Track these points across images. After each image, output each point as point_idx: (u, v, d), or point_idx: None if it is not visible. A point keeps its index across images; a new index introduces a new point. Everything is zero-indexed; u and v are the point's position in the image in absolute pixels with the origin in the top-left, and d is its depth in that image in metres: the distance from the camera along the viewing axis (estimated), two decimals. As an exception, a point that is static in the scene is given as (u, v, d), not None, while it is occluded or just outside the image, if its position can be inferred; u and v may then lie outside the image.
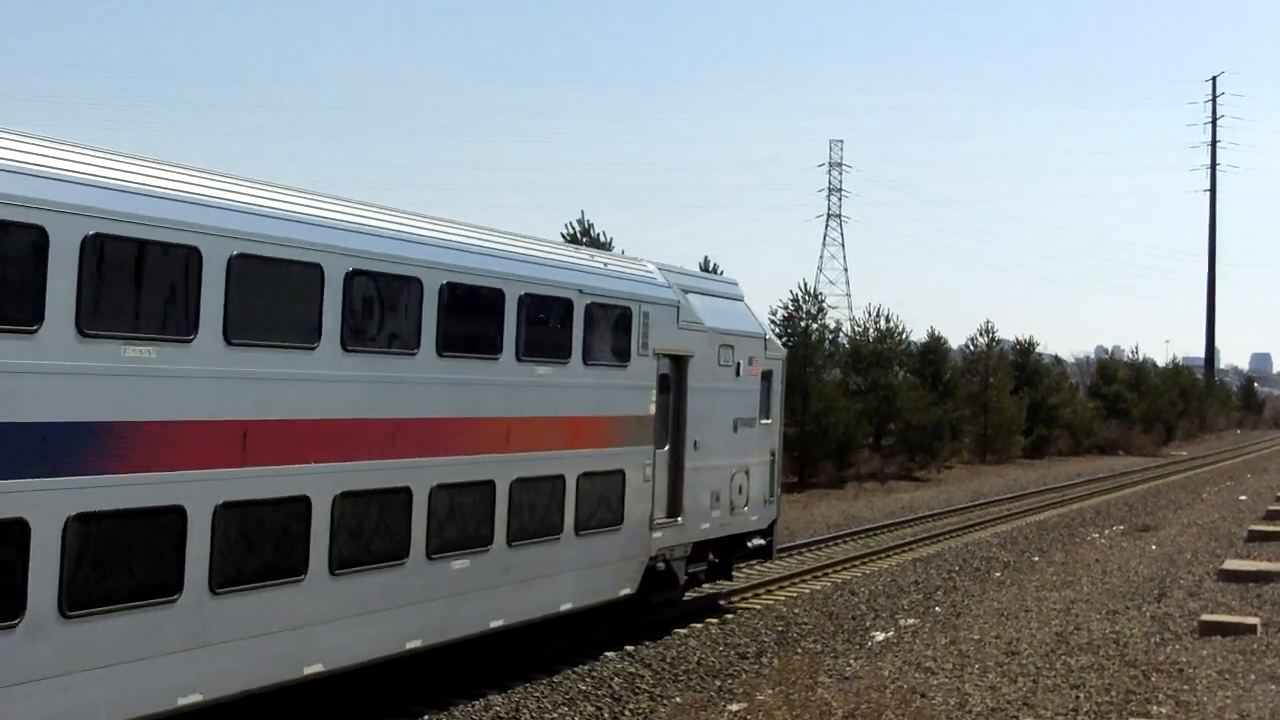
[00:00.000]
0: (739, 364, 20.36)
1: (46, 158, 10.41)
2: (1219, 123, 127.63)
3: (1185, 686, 15.09)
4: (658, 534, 18.38)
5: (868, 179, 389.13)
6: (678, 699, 15.16)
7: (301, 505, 12.34)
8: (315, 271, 12.52)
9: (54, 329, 10.11)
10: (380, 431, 13.34)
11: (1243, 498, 41.80)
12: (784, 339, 48.98)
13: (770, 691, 14.69)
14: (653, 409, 18.14)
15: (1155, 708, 14.20)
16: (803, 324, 48.38)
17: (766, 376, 21.51)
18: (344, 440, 12.87)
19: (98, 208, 10.47)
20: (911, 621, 19.94)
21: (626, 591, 17.84)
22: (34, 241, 9.95)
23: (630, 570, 17.86)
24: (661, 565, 18.66)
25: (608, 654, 17.21)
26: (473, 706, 14.51)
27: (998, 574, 25.33)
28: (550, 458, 16.01)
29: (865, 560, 27.99)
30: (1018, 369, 68.44)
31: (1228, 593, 21.70)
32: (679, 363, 18.82)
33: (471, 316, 14.78)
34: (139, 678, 10.83)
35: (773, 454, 21.92)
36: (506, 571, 15.22)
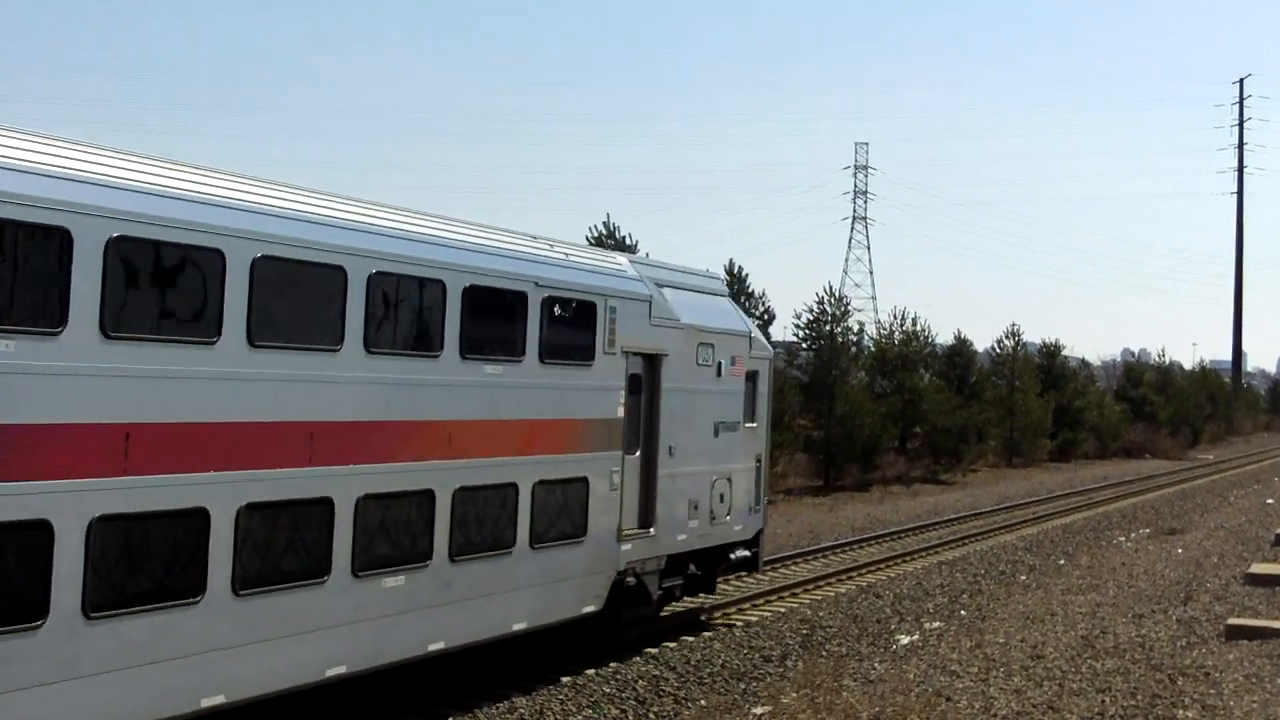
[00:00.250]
0: (720, 364, 19.06)
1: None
2: (1245, 125, 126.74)
3: (1211, 691, 15.03)
4: (626, 546, 17.12)
5: (892, 181, 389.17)
6: (702, 702, 15.15)
7: (198, 518, 11.17)
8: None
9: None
10: (293, 435, 12.14)
11: (1270, 501, 41.51)
12: (809, 342, 49.13)
13: (795, 695, 14.71)
14: (621, 411, 16.86)
15: (1181, 712, 14.15)
16: (828, 327, 48.37)
17: (751, 377, 20.18)
18: (249, 446, 11.66)
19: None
20: (936, 625, 19.90)
21: (591, 609, 16.60)
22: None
23: (595, 586, 16.62)
24: (632, 580, 17.37)
25: (633, 657, 17.14)
26: (497, 708, 14.51)
27: (1023, 577, 25.25)
28: (501, 464, 14.78)
29: (890, 563, 28.02)
30: (1044, 372, 68.18)
31: (1254, 597, 21.57)
32: (652, 362, 17.58)
33: (406, 310, 13.64)
34: None
35: (759, 460, 20.60)
36: (449, 589, 14.02)
